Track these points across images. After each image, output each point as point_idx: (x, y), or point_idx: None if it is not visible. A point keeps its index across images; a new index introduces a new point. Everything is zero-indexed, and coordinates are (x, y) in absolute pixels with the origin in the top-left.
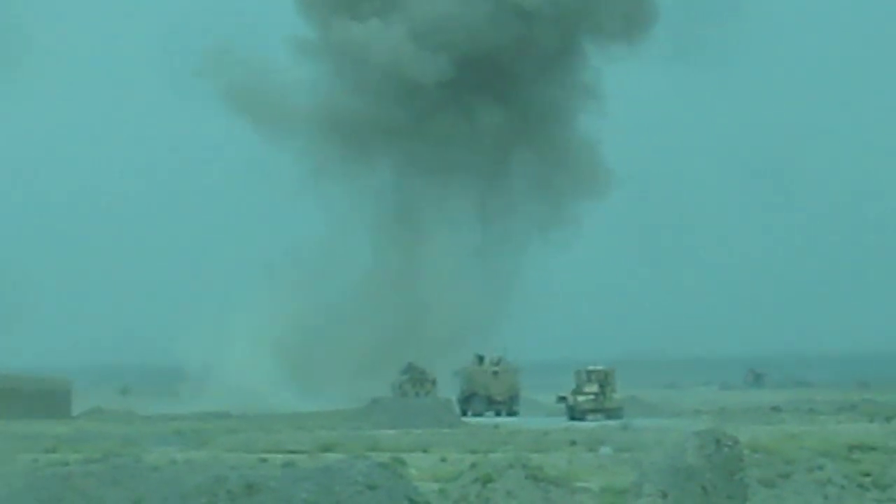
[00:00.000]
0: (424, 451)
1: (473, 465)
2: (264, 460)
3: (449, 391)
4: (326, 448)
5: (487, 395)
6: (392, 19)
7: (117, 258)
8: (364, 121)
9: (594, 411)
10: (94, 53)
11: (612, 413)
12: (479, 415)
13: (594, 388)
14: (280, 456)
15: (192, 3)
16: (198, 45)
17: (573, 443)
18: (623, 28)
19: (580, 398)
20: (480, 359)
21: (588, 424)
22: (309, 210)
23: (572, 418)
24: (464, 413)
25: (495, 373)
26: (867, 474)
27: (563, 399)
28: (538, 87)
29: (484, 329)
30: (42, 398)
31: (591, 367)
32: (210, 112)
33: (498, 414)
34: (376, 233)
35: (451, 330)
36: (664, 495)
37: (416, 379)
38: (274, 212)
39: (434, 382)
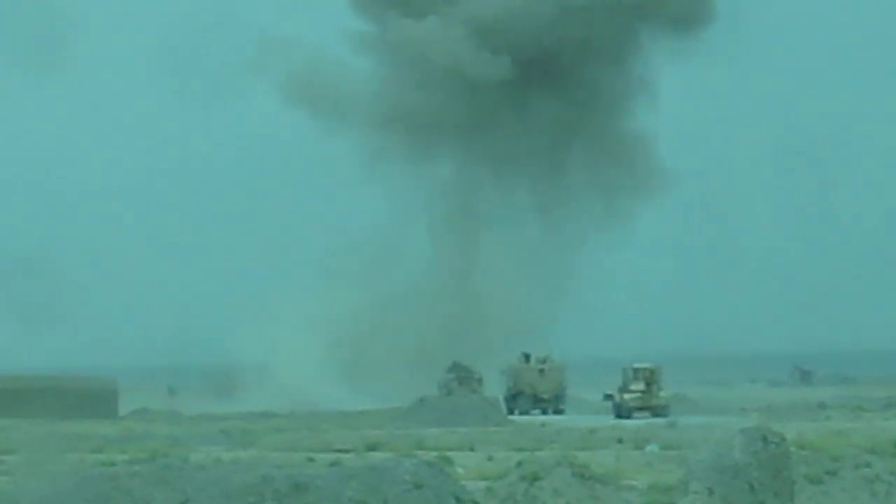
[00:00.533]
0: (471, 449)
1: (520, 464)
2: (311, 459)
3: (495, 389)
4: (373, 447)
5: (534, 394)
6: (450, 17)
7: (167, 253)
8: (423, 115)
9: (641, 409)
10: (151, 42)
11: (658, 411)
12: (526, 413)
13: (641, 385)
14: (327, 455)
15: None
16: (256, 34)
17: (620, 441)
18: (679, 26)
19: (627, 396)
20: (527, 357)
21: (635, 422)
22: (366, 201)
23: (619, 416)
24: (510, 411)
25: (541, 371)
26: None
27: (609, 397)
28: (596, 83)
29: (538, 326)
30: (88, 398)
31: (637, 365)
32: (265, 102)
33: (544, 412)
34: (435, 225)
35: (508, 326)
36: (711, 493)
37: (462, 377)
38: (331, 203)
39: (480, 381)
